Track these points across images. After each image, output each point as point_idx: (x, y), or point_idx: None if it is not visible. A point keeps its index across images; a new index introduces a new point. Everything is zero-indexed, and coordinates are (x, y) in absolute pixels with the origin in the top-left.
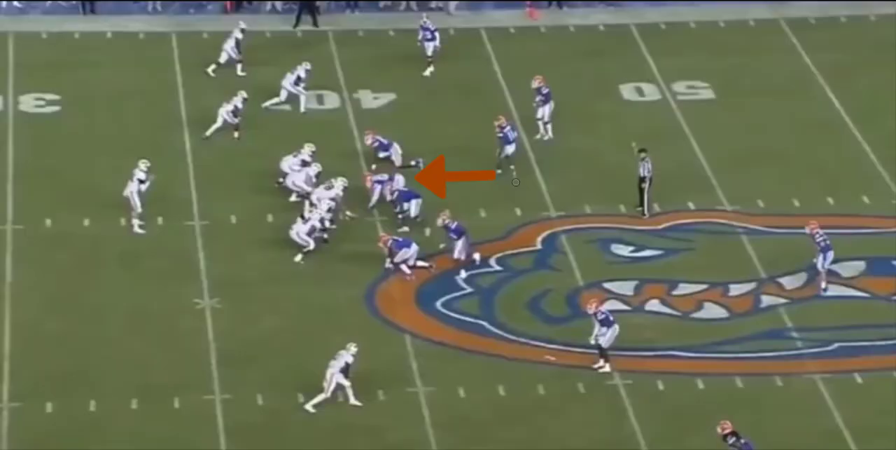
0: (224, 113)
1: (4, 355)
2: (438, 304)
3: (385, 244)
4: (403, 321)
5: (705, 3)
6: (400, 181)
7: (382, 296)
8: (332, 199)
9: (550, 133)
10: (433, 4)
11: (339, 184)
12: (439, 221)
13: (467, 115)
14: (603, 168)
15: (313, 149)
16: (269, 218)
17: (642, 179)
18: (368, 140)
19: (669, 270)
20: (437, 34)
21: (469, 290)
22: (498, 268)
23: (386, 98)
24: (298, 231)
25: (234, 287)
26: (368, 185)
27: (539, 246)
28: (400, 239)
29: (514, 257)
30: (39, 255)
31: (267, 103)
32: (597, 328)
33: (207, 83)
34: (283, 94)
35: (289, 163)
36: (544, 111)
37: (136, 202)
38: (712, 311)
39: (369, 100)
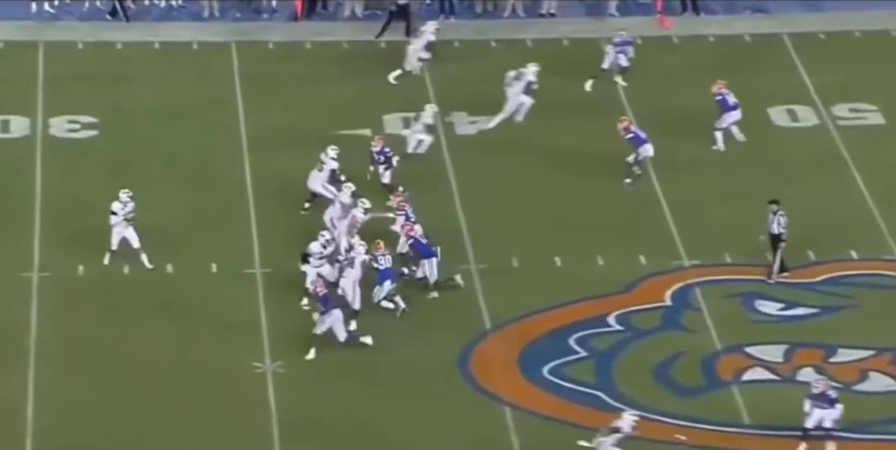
0: (415, 134)
1: (27, 423)
2: (545, 370)
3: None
4: (503, 390)
5: (875, 7)
6: (417, 229)
7: (479, 359)
8: (344, 208)
9: (721, 144)
10: (543, 9)
11: (345, 191)
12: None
13: (582, 140)
14: (747, 208)
15: (337, 151)
16: None
17: (777, 237)
18: (377, 147)
19: (826, 333)
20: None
21: (583, 353)
22: (618, 327)
23: (484, 122)
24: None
25: (300, 348)
26: (398, 200)
27: (668, 301)
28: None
29: (638, 315)
30: (69, 305)
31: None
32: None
33: (272, 101)
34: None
35: (321, 181)
36: (725, 119)
37: (113, 239)
38: (879, 382)
39: (465, 124)
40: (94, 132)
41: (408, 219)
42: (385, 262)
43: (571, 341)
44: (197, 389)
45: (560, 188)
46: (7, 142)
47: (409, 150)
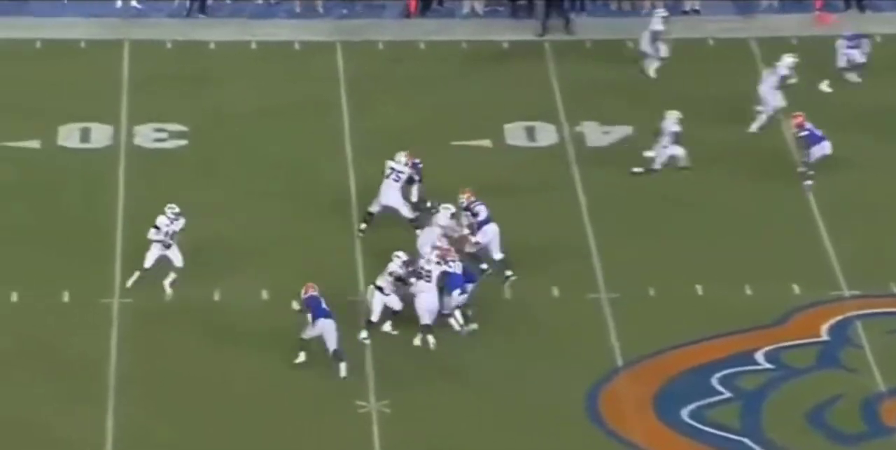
0: (665, 149)
1: None
2: (684, 412)
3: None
4: (636, 435)
5: None
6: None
7: (609, 399)
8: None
9: None
10: (686, 6)
11: (442, 213)
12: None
13: (727, 148)
14: None
15: (403, 161)
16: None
17: None
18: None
19: None
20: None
21: (727, 394)
22: (768, 365)
23: (619, 132)
24: (428, 303)
25: (408, 386)
26: (467, 196)
27: (825, 336)
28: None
29: (790, 351)
30: (152, 335)
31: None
32: None
33: (380, 105)
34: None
35: (397, 193)
36: None
37: (148, 257)
38: None
39: (597, 135)
40: (183, 141)
41: (479, 225)
42: (455, 267)
43: (714, 381)
44: (296, 428)
45: (703, 205)
46: (87, 153)
47: (658, 166)
